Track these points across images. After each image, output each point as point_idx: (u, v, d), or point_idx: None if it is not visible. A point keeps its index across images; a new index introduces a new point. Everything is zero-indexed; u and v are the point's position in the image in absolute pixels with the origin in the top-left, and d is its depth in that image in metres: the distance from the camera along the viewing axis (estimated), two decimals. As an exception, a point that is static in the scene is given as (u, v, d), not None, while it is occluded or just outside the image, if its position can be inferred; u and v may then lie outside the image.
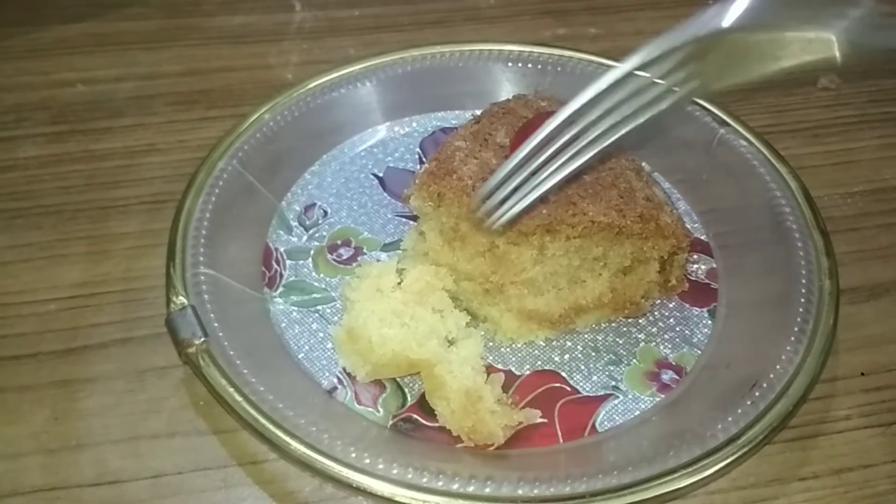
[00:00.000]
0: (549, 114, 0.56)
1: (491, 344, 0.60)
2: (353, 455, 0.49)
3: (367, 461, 0.49)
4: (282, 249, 0.65)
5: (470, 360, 0.54)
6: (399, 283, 0.57)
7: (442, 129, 0.76)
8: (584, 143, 0.47)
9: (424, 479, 0.48)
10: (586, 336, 0.61)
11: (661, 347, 0.60)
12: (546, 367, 0.59)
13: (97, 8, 0.91)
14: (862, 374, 0.59)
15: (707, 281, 0.64)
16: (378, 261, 0.65)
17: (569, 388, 0.57)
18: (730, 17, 0.44)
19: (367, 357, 0.55)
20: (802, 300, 0.58)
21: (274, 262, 0.64)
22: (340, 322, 0.58)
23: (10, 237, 0.67)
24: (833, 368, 0.59)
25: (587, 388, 0.57)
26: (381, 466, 0.48)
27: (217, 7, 0.93)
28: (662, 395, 0.57)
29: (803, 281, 0.59)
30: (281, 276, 0.64)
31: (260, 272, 0.63)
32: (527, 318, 0.58)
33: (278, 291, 0.62)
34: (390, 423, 0.55)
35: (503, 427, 0.53)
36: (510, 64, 0.77)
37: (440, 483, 0.48)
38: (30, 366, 0.58)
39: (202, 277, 0.58)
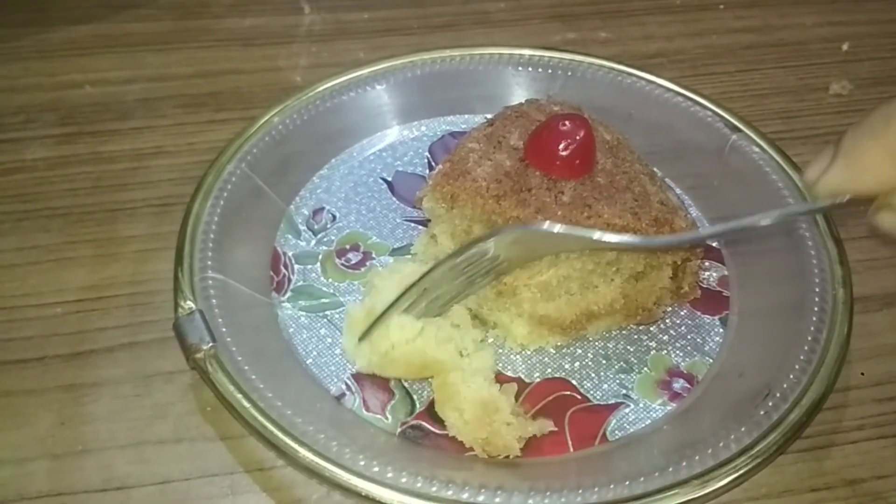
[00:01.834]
0: (563, 117, 0.56)
1: (501, 351, 0.59)
2: (362, 463, 0.48)
3: (376, 469, 0.48)
4: (290, 254, 0.65)
5: (482, 371, 0.54)
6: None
7: (451, 134, 0.76)
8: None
9: (434, 489, 0.48)
10: (597, 343, 0.60)
11: (673, 356, 0.59)
12: (556, 375, 0.58)
13: (106, 9, 0.91)
14: (861, 374, 0.59)
15: (719, 288, 0.63)
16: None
17: (579, 397, 0.57)
18: None
19: (377, 345, 0.53)
20: (816, 309, 0.57)
21: (282, 267, 0.64)
22: (360, 300, 0.57)
23: (17, 239, 0.66)
24: (846, 378, 0.58)
25: (598, 397, 0.57)
26: (389, 475, 0.48)
27: (226, 9, 0.93)
28: (674, 404, 0.56)
29: (816, 289, 0.58)
30: (289, 280, 0.63)
31: (268, 277, 0.63)
32: (538, 324, 0.58)
33: (286, 296, 0.62)
34: (399, 430, 0.54)
35: (518, 438, 0.52)
36: (520, 68, 0.77)
37: (450, 492, 0.47)
38: (36, 370, 0.58)
39: (210, 282, 0.58)
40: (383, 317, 0.53)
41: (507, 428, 0.52)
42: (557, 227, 0.49)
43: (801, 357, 0.54)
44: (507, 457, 0.52)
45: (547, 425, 0.54)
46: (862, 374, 0.59)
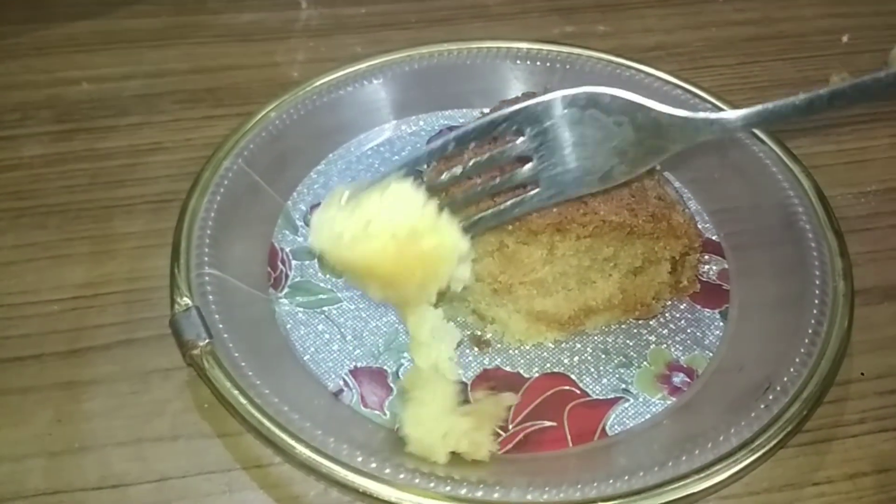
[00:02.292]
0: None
1: (499, 346, 0.59)
2: (359, 459, 0.48)
3: (374, 465, 0.48)
4: (287, 250, 0.65)
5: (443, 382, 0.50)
6: None
7: (449, 128, 0.75)
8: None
9: (432, 484, 0.47)
10: (596, 338, 0.60)
11: (672, 350, 0.59)
12: (555, 370, 0.58)
13: (103, 6, 0.91)
14: (862, 374, 0.58)
15: (719, 282, 0.63)
16: None
17: (578, 392, 0.56)
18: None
19: (360, 213, 0.44)
20: (816, 301, 0.57)
21: (279, 263, 0.64)
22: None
23: (13, 236, 0.66)
24: (847, 371, 0.58)
25: (597, 391, 0.56)
26: (387, 471, 0.48)
27: (224, 5, 0.92)
28: (674, 399, 0.56)
29: (817, 282, 0.58)
30: (286, 276, 0.63)
31: (265, 273, 0.63)
32: (535, 320, 0.58)
33: (284, 292, 0.62)
34: (397, 426, 0.54)
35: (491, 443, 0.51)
36: (518, 62, 0.76)
37: (448, 488, 0.47)
38: (33, 367, 0.57)
39: (207, 278, 0.57)
40: (381, 181, 0.44)
41: (475, 447, 0.50)
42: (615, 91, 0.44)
43: (802, 350, 0.54)
44: (506, 452, 0.52)
45: (510, 397, 0.54)
46: (862, 374, 0.58)
